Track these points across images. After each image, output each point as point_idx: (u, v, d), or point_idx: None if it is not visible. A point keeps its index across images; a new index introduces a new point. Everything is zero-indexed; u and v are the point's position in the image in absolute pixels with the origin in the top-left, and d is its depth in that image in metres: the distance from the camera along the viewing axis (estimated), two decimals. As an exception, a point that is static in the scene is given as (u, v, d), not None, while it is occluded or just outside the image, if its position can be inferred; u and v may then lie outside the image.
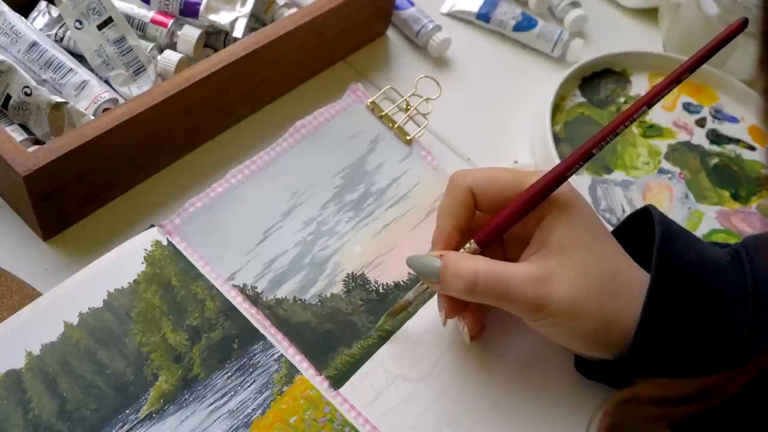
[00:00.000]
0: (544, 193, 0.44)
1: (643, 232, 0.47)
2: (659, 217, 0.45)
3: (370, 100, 0.59)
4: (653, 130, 0.67)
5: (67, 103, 0.51)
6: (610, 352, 0.43)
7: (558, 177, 0.44)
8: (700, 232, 0.60)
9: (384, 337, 0.48)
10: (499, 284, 0.42)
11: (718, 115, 0.69)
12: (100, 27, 0.54)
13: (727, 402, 0.35)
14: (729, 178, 0.65)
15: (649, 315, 0.41)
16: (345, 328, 0.48)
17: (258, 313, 0.48)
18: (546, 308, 0.42)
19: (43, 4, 0.57)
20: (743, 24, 0.41)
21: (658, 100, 0.43)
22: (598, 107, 0.67)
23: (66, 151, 0.46)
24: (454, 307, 0.46)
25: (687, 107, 0.69)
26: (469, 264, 0.43)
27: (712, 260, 0.44)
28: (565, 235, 0.43)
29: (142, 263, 0.48)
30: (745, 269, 0.43)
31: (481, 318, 0.47)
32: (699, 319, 0.42)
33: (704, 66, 0.69)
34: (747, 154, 0.67)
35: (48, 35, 0.55)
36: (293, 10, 0.61)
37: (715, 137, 0.67)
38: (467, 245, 0.46)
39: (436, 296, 0.48)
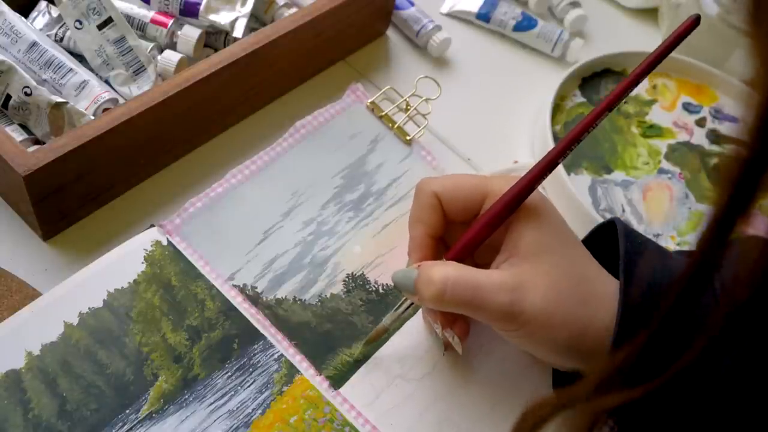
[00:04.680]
0: (513, 206, 0.43)
1: (610, 245, 0.46)
2: (624, 230, 0.44)
3: (370, 100, 0.59)
4: (653, 130, 0.67)
5: (67, 103, 0.51)
6: (582, 362, 0.42)
7: (525, 188, 0.43)
8: (697, 236, 0.60)
9: (384, 338, 0.48)
10: (470, 290, 0.42)
11: (718, 115, 0.69)
12: (100, 27, 0.54)
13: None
14: (729, 178, 0.65)
15: (622, 332, 0.40)
16: (345, 328, 0.48)
17: (258, 313, 0.48)
18: (519, 317, 0.41)
19: (43, 4, 0.57)
20: (696, 21, 0.41)
21: (616, 106, 0.43)
22: (598, 107, 0.67)
23: (66, 151, 0.46)
24: (445, 317, 0.45)
25: (687, 107, 0.69)
26: (440, 270, 0.42)
27: (679, 272, 0.43)
28: (534, 242, 0.43)
29: (142, 263, 0.48)
30: (713, 278, 0.43)
31: (468, 326, 0.46)
32: (671, 330, 0.41)
33: (704, 66, 0.70)
34: (747, 154, 0.66)
35: (48, 35, 0.55)
36: (293, 10, 0.61)
37: (715, 137, 0.67)
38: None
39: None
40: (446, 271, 0.42)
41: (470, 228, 0.44)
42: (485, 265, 0.44)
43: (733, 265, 0.33)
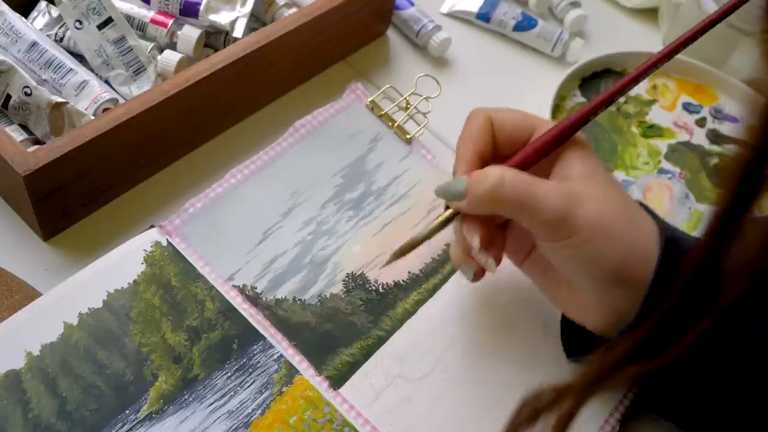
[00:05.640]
0: (567, 134, 0.44)
1: None
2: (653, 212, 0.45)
3: (369, 99, 0.59)
4: (653, 130, 0.67)
5: (67, 103, 0.51)
6: (618, 294, 0.42)
7: (580, 119, 0.44)
8: (700, 233, 0.60)
9: (384, 338, 0.48)
10: (526, 188, 0.41)
11: (718, 115, 0.69)
12: (100, 27, 0.54)
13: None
14: (729, 178, 0.65)
15: (655, 288, 0.41)
16: (345, 328, 0.48)
17: (258, 313, 0.48)
18: (572, 223, 0.41)
19: (43, 4, 0.57)
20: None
21: (674, 55, 0.44)
22: (598, 107, 0.67)
23: (66, 151, 0.46)
24: (486, 230, 0.44)
25: (687, 107, 0.69)
26: (495, 169, 0.42)
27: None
28: (584, 168, 0.43)
29: (142, 264, 0.48)
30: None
31: (502, 252, 0.46)
32: (704, 296, 0.42)
33: (704, 66, 0.70)
34: (747, 154, 0.66)
35: (48, 35, 0.55)
36: (293, 10, 0.61)
37: (715, 137, 0.67)
38: None
39: (434, 298, 0.47)
40: (502, 170, 0.42)
41: (526, 147, 0.45)
42: None
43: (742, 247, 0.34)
